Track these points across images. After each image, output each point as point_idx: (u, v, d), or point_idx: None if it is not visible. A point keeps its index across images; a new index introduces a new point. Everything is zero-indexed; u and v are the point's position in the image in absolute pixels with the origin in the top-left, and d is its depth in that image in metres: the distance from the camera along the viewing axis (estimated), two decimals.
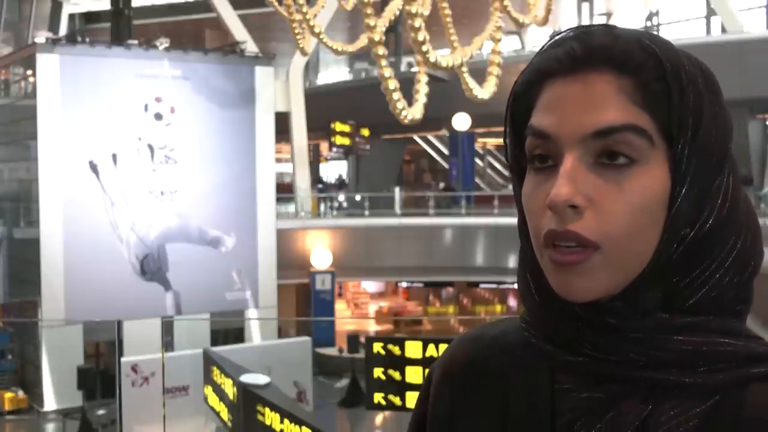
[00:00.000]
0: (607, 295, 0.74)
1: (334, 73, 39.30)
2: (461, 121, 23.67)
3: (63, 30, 26.55)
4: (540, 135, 0.75)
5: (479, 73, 16.11)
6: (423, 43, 13.52)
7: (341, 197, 25.51)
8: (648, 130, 0.72)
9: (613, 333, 0.74)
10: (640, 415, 0.73)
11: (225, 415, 10.27)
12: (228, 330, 18.58)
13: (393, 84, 14.25)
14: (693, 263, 0.75)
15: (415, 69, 16.08)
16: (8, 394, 16.76)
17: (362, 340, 16.08)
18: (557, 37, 0.78)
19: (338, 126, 25.38)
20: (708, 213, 0.74)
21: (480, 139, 27.64)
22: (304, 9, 14.88)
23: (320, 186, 27.06)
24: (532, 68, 0.78)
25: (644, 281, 0.74)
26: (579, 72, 0.74)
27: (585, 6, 31.89)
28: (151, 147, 17.34)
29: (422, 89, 14.88)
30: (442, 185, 25.61)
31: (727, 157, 0.76)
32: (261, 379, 9.71)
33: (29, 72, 18.02)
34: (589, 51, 0.74)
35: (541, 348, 0.80)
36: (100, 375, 15.71)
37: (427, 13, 13.46)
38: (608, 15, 33.76)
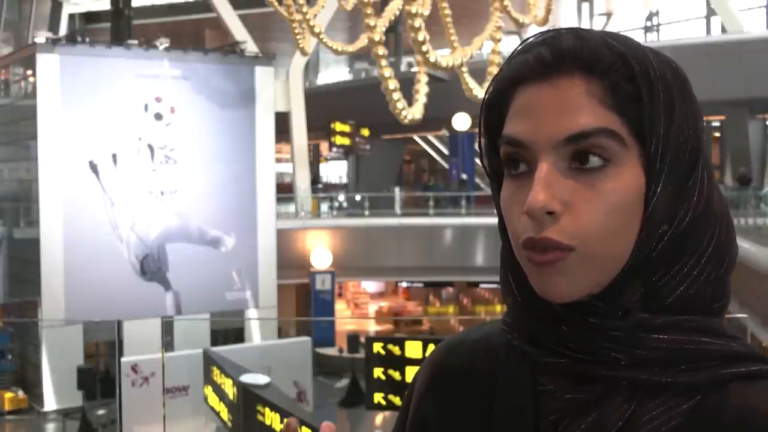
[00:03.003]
0: (588, 295, 0.75)
1: (334, 73, 39.30)
2: (461, 121, 23.68)
3: (63, 30, 26.56)
4: (514, 143, 0.75)
5: (479, 73, 16.10)
6: (423, 43, 13.52)
7: (341, 197, 25.52)
8: (619, 132, 0.73)
9: (594, 333, 0.74)
10: (623, 416, 0.73)
11: (225, 415, 10.27)
12: (228, 330, 18.57)
13: (393, 84, 14.26)
14: (671, 261, 0.75)
15: (415, 69, 16.08)
16: (8, 394, 16.75)
17: (362, 340, 16.07)
18: (525, 43, 0.78)
19: (338, 126, 25.39)
20: (685, 210, 0.75)
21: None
22: (304, 9, 14.87)
23: (319, 186, 27.03)
24: (502, 75, 0.78)
25: (624, 280, 0.74)
26: (549, 77, 0.74)
27: (585, 6, 31.88)
28: (151, 147, 17.34)
29: (422, 89, 14.88)
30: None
31: (700, 151, 0.76)
32: (261, 379, 9.71)
33: (29, 72, 18.01)
34: (558, 55, 0.74)
35: (523, 349, 0.80)
36: (100, 375, 15.71)
37: (427, 13, 13.46)
38: (608, 15, 33.75)
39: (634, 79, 0.73)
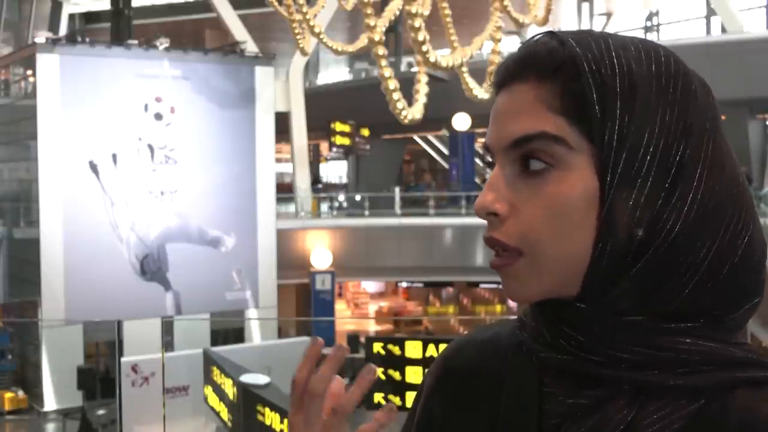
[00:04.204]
0: (548, 297, 0.76)
1: (334, 73, 39.30)
2: (461, 121, 23.68)
3: (63, 30, 26.54)
4: (485, 148, 0.79)
5: (479, 73, 16.10)
6: (423, 43, 13.51)
7: (341, 197, 25.53)
8: (563, 136, 0.73)
9: (591, 333, 0.74)
10: (625, 419, 0.73)
11: (225, 415, 10.27)
12: (228, 330, 18.57)
13: (393, 84, 14.24)
14: (668, 265, 0.72)
15: (415, 69, 16.07)
16: (8, 394, 16.76)
17: (362, 340, 16.06)
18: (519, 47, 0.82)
19: (338, 126, 25.38)
20: (677, 212, 0.72)
21: (480, 139, 27.64)
22: (304, 9, 14.87)
23: (319, 186, 27.04)
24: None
25: (597, 281, 0.73)
26: (509, 83, 0.77)
27: (585, 6, 31.88)
28: (151, 147, 17.34)
29: (422, 89, 14.86)
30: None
31: (688, 148, 0.73)
32: (261, 379, 9.70)
33: (29, 72, 18.01)
34: (519, 61, 0.77)
35: (529, 346, 0.80)
36: (100, 375, 15.71)
37: (427, 13, 13.45)
38: (608, 15, 33.76)
39: (582, 79, 0.73)
